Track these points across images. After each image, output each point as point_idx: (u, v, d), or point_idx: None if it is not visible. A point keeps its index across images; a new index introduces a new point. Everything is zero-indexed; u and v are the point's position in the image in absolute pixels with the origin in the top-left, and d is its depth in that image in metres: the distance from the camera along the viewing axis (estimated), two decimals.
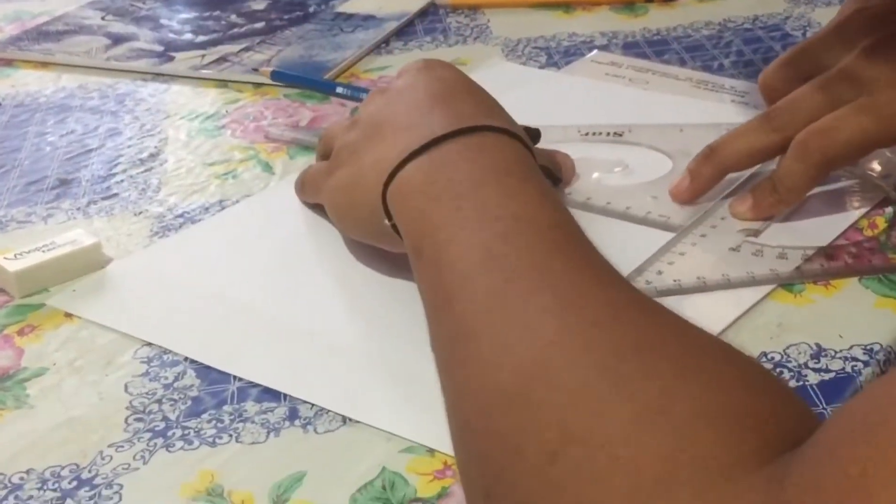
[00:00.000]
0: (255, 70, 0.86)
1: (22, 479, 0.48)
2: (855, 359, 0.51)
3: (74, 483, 0.47)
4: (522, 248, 0.44)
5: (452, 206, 0.48)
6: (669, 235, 0.60)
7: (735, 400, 0.36)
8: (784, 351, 0.52)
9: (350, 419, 0.49)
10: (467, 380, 0.41)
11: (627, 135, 0.70)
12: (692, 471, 0.33)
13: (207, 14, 0.99)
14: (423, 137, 0.51)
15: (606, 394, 0.36)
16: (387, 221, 0.52)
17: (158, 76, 0.88)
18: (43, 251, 0.61)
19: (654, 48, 0.86)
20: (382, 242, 0.56)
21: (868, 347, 0.51)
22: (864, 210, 0.61)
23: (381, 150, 0.54)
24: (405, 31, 0.94)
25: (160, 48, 0.92)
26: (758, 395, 0.37)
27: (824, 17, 0.89)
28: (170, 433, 0.50)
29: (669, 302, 0.55)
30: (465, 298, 0.43)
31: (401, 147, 0.52)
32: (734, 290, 0.55)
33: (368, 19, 0.95)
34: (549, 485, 0.35)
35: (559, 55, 0.86)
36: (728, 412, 0.35)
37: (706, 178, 0.62)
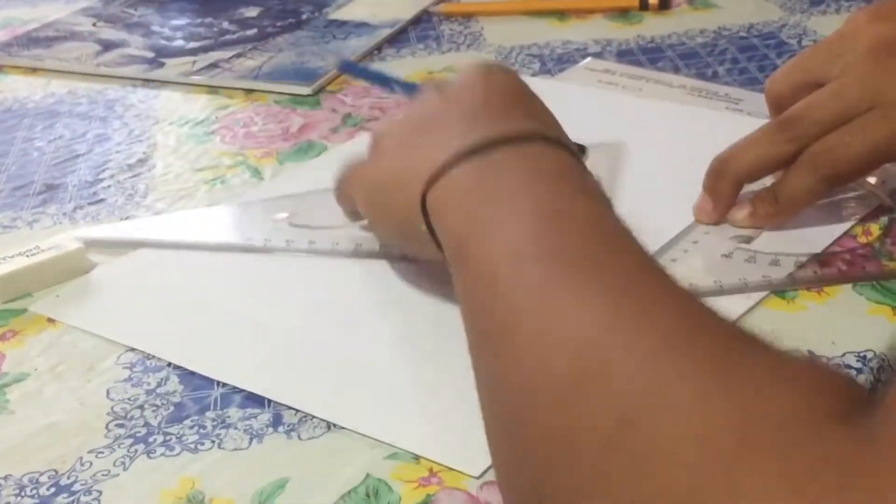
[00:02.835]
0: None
1: None
2: (848, 366, 0.50)
3: (53, 489, 0.46)
4: (575, 241, 0.43)
5: (503, 206, 0.46)
6: (662, 241, 0.59)
7: (801, 367, 0.35)
8: None
9: (334, 425, 0.48)
10: (513, 373, 0.39)
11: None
12: (773, 433, 0.31)
13: (199, 21, 0.99)
14: (474, 141, 0.49)
15: (666, 375, 0.34)
16: (422, 226, 0.50)
17: (149, 82, 0.88)
18: (26, 256, 0.60)
19: (649, 56, 0.85)
20: (411, 246, 0.54)
21: (861, 354, 0.50)
22: (858, 217, 0.60)
23: (427, 148, 0.51)
24: (398, 38, 0.93)
25: (151, 54, 0.92)
26: (817, 364, 0.36)
27: (820, 25, 0.89)
28: (151, 439, 0.49)
29: None
30: (510, 289, 0.41)
31: (449, 149, 0.49)
32: (726, 297, 0.55)
33: (361, 26, 0.95)
34: (606, 473, 0.33)
35: (552, 62, 0.85)
36: (799, 375, 0.34)
37: (726, 195, 0.60)
